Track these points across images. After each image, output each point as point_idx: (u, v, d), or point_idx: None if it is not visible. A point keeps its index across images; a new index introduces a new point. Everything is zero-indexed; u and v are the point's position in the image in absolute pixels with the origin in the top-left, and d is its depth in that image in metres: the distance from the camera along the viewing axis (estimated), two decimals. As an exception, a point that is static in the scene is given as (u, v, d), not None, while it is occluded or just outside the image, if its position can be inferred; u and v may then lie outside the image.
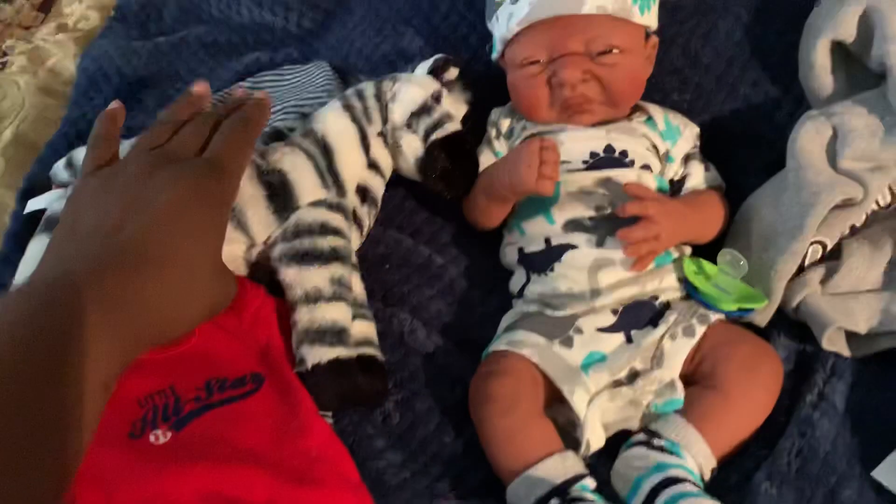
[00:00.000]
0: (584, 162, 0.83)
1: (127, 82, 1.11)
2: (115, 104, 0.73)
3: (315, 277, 0.76)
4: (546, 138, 0.78)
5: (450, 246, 0.92)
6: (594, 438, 0.73)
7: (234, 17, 1.17)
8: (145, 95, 1.11)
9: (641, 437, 0.72)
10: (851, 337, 0.76)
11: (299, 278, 0.76)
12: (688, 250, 0.83)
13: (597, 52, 0.81)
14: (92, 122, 1.03)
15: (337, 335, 0.75)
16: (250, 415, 0.72)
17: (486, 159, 0.89)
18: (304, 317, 0.75)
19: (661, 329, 0.75)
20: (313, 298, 0.75)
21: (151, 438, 0.69)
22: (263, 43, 1.14)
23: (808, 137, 0.80)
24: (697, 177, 0.86)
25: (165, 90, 1.11)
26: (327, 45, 1.08)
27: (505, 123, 0.90)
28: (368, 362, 0.77)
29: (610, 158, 0.83)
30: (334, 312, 0.75)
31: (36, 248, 0.78)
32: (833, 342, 0.76)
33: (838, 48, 0.84)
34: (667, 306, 0.78)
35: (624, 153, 0.84)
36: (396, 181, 0.97)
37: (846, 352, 0.76)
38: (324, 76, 1.02)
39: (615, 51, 0.81)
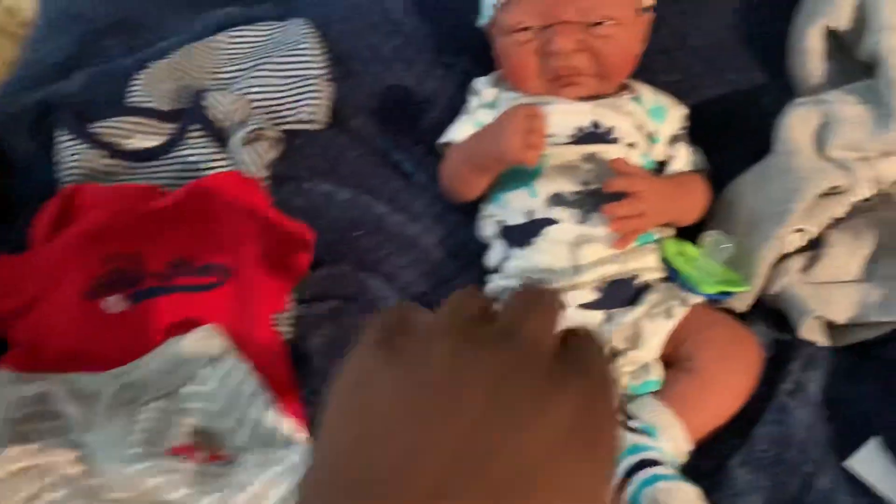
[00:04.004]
0: (571, 136, 0.81)
1: (91, 28, 1.05)
2: None
3: None
4: (534, 106, 0.76)
5: (424, 216, 0.89)
6: (568, 417, 0.71)
7: (210, -33, 1.12)
8: (109, 43, 1.05)
9: (616, 417, 0.71)
10: (829, 327, 0.76)
11: None
12: (669, 232, 0.82)
13: (591, 22, 0.79)
14: (52, 67, 1.00)
15: None
16: (205, 311, 0.72)
17: (466, 129, 0.86)
18: None
19: (641, 309, 0.74)
20: None
21: (102, 305, 0.71)
22: (239, -2, 1.09)
23: (797, 123, 0.79)
24: (683, 159, 0.84)
25: (131, 39, 1.06)
26: (307, 2, 1.04)
27: (489, 93, 0.87)
28: None
29: (596, 134, 0.81)
30: None
31: None
32: (811, 331, 0.75)
33: (830, 35, 0.83)
34: (647, 286, 0.76)
35: (611, 129, 0.81)
36: (373, 146, 0.94)
37: (823, 341, 0.75)
38: (304, 34, 0.97)
39: (610, 22, 0.79)
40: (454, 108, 0.92)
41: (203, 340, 0.70)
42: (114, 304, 0.72)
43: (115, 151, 0.88)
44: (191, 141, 0.90)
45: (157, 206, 0.77)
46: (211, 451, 0.65)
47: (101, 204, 0.76)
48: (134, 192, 0.79)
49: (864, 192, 0.80)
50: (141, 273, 0.74)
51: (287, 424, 0.67)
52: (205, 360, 0.70)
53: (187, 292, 0.74)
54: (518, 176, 0.80)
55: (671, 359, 0.74)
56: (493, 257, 0.81)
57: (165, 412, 0.68)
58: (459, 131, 0.86)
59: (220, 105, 0.90)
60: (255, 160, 0.87)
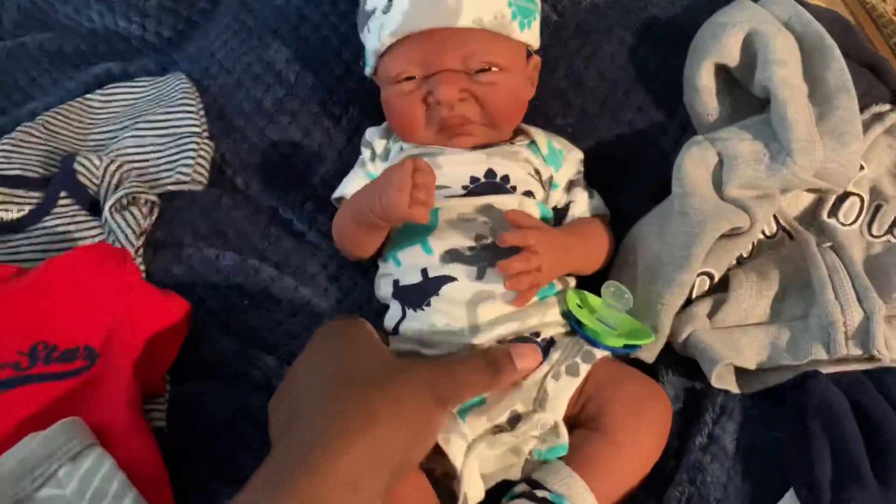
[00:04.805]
0: (464, 187, 0.77)
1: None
2: None
3: None
4: (419, 159, 0.71)
5: (318, 278, 0.84)
6: (472, 491, 0.65)
7: (84, 24, 1.05)
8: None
9: (523, 487, 0.66)
10: (740, 373, 0.73)
11: None
12: (572, 282, 0.78)
13: (475, 69, 0.75)
14: None
15: None
16: (69, 402, 0.65)
17: (359, 182, 0.81)
18: None
19: (544, 368, 0.69)
20: None
21: None
22: (116, 53, 1.03)
23: (694, 163, 0.76)
24: (581, 204, 0.81)
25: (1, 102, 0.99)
26: (187, 56, 0.98)
27: (381, 144, 0.83)
28: None
29: (491, 184, 0.77)
30: None
31: None
32: (722, 379, 0.72)
33: (723, 71, 0.81)
34: (550, 343, 0.72)
35: (506, 178, 0.78)
36: (259, 205, 0.88)
37: (735, 389, 0.72)
38: (180, 90, 0.92)
39: (494, 69, 0.76)
40: (345, 162, 0.88)
41: (62, 435, 0.63)
42: (-39, 400, 0.64)
43: (-29, 226, 0.81)
44: (59, 210, 0.83)
45: (12, 286, 0.70)
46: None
47: None
48: (-16, 271, 0.72)
49: (766, 230, 0.79)
50: None
51: (159, 526, 0.61)
52: (65, 458, 0.62)
53: (48, 381, 0.66)
54: (412, 231, 0.75)
55: (578, 419, 0.69)
56: (390, 319, 0.76)
57: (19, 522, 0.60)
58: (353, 185, 0.82)
59: (92, 169, 0.84)
60: (129, 227, 0.80)
